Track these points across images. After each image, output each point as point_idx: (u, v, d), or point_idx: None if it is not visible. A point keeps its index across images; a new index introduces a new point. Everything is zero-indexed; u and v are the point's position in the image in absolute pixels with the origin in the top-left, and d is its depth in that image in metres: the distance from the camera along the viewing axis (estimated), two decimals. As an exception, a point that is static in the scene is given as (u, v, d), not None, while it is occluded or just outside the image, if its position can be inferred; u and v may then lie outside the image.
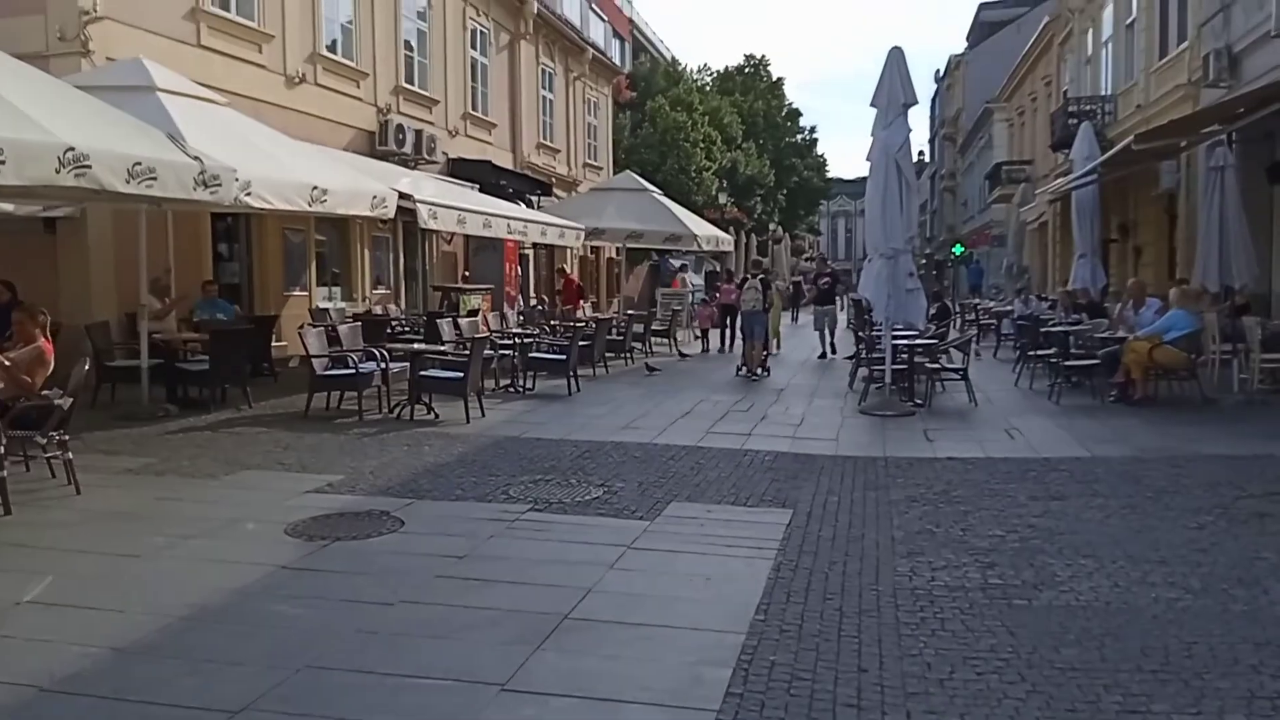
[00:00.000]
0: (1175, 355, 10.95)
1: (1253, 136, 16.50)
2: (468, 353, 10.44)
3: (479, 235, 17.04)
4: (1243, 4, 16.40)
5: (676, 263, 32.86)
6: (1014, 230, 29.53)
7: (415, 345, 11.84)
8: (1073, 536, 6.04)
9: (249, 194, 9.33)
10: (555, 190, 25.30)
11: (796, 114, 53.51)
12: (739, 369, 15.37)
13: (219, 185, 8.65)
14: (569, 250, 27.99)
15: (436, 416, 10.47)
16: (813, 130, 56.30)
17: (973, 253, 47.93)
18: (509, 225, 14.19)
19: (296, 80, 15.91)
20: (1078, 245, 18.74)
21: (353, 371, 10.56)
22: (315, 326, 11.91)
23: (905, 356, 12.16)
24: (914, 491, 7.34)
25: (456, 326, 13.89)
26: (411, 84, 19.69)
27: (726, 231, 24.80)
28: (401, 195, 11.68)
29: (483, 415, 10.65)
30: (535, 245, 24.17)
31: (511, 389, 12.76)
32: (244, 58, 14.65)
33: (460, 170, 20.71)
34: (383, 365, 10.66)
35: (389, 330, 15.46)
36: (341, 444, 9.12)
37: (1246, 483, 7.35)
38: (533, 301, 24.23)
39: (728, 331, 18.71)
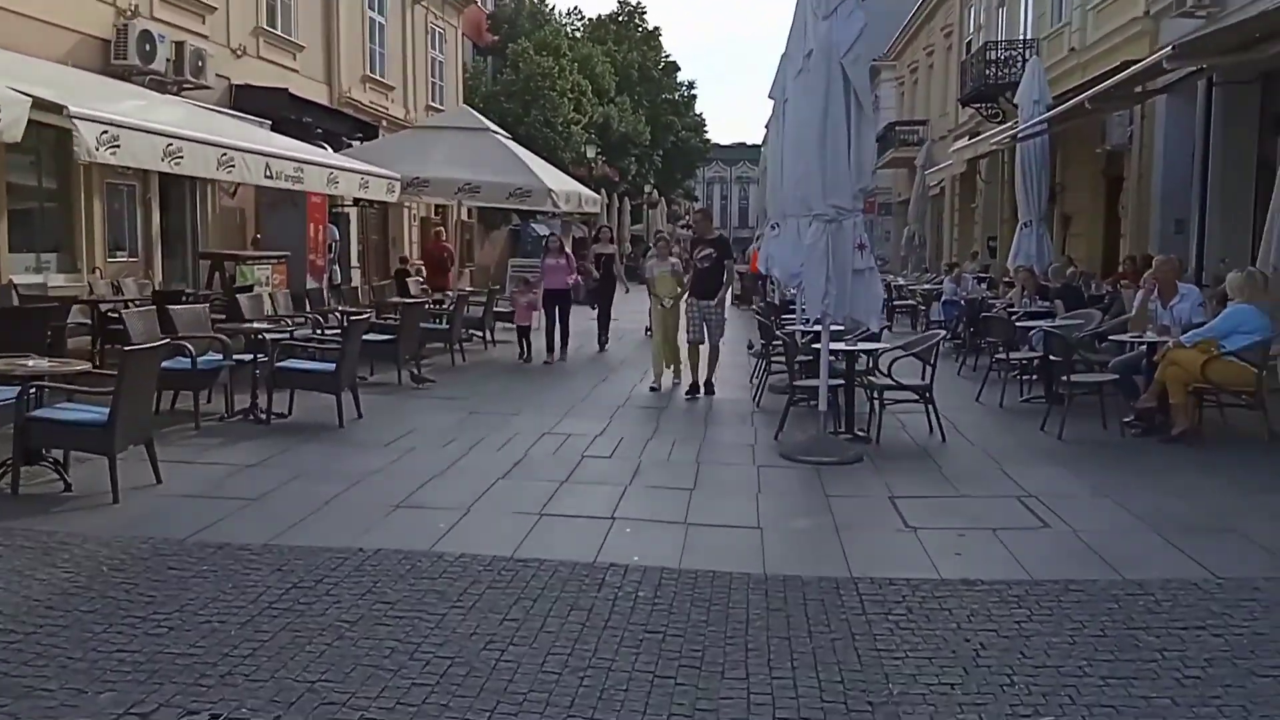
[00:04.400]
0: (1240, 371, 7.42)
1: (1241, 78, 13.37)
2: (115, 373, 5.90)
3: (257, 185, 12.41)
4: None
5: (543, 229, 28.33)
6: (916, 196, 26.33)
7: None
8: None
9: None
10: (386, 134, 20.52)
11: (675, 67, 49.44)
12: (652, 387, 10.80)
13: None
14: (405, 207, 23.34)
15: (67, 486, 6.01)
16: (691, 86, 52.21)
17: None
18: (268, 167, 9.64)
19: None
20: (1021, 211, 15.33)
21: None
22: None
23: (843, 369, 8.32)
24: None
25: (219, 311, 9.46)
26: (172, -20, 14.69)
27: (595, 191, 20.59)
28: (44, 105, 7.02)
29: (157, 480, 6.23)
30: (360, 202, 19.50)
31: (251, 417, 8.32)
32: None
33: (246, 100, 15.85)
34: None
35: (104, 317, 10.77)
36: None
37: None
38: (352, 273, 19.56)
39: (557, 330, 13.04)
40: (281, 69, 17.62)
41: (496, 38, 36.53)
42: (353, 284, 17.42)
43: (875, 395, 8.28)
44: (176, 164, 8.36)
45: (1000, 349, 10.41)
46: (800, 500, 6.41)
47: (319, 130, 17.14)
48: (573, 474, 6.93)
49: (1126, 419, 8.09)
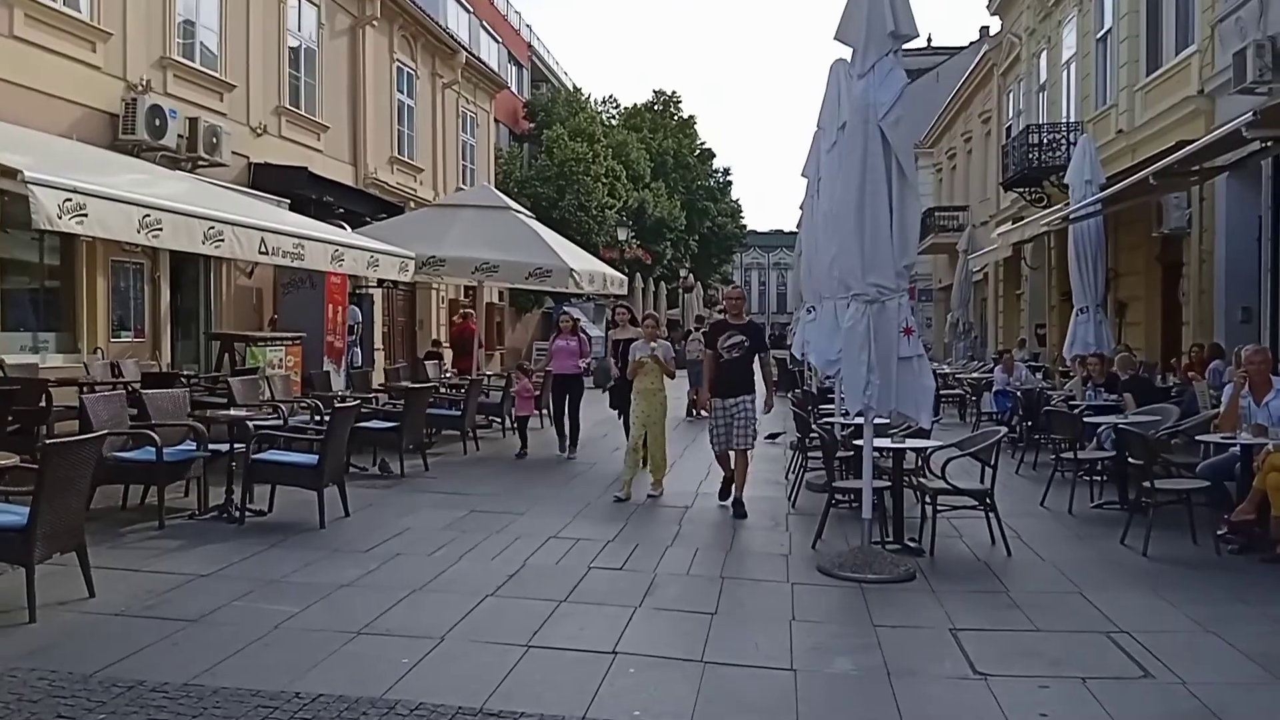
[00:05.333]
0: (1360, 479, 6.30)
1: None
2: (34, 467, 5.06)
3: (277, 265, 11.89)
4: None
5: (576, 311, 27.73)
6: (959, 281, 25.37)
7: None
8: None
9: None
10: (410, 216, 20.06)
11: (710, 155, 49.47)
12: (617, 497, 9.13)
13: None
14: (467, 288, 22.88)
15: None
16: (727, 172, 52.18)
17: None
18: (263, 242, 8.94)
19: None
20: (1077, 297, 14.32)
21: None
22: None
23: (889, 468, 7.32)
24: None
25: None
26: (189, 59, 14.40)
27: (623, 272, 19.90)
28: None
29: (90, 593, 5.33)
30: (384, 283, 18.99)
31: (225, 515, 7.44)
32: None
33: (264, 179, 15.43)
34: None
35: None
36: None
37: None
38: (376, 354, 18.94)
39: (566, 421, 11.91)
40: (304, 149, 17.27)
41: (533, 125, 36.68)
42: (366, 367, 16.72)
43: (928, 500, 7.24)
44: (155, 236, 7.65)
45: (1065, 446, 9.32)
46: (842, 631, 5.36)
47: (340, 210, 16.67)
48: (575, 590, 5.94)
49: (1220, 532, 6.97)
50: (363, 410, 11.03)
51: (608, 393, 12.58)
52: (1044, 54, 24.74)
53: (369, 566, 6.29)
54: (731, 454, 8.62)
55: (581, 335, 12.36)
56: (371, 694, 4.14)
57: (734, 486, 8.58)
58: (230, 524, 7.33)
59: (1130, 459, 7.52)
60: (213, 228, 8.40)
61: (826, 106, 8.21)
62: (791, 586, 6.21)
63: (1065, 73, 22.82)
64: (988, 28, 33.85)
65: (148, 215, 7.56)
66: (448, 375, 17.03)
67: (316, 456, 7.41)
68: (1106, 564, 6.80)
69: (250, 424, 7.77)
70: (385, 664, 4.52)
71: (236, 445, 7.51)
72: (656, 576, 6.33)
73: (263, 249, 9.15)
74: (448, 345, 21.91)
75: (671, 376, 9.42)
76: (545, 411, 13.77)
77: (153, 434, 7.05)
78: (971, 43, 40.47)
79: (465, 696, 4.14)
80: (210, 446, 7.66)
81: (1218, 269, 15.17)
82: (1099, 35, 20.20)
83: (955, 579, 6.43)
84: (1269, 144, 11.46)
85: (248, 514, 7.42)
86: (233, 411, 8.00)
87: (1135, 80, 18.02)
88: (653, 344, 9.38)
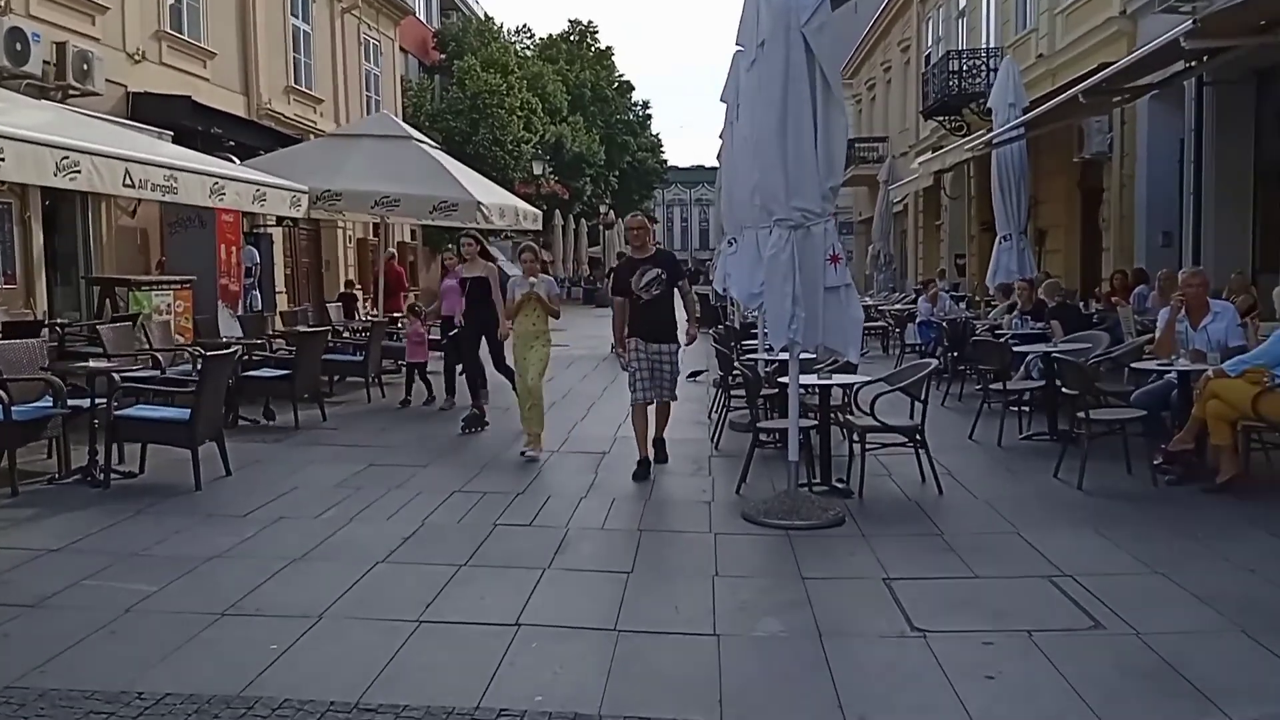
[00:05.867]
0: (1300, 405, 6.05)
1: (1230, 77, 12.27)
2: None
3: (144, 198, 10.85)
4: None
5: (494, 250, 26.75)
6: (880, 213, 25.12)
7: None
8: None
9: None
10: (309, 149, 18.88)
11: (629, 87, 48.30)
12: (525, 453, 8.07)
13: None
14: (349, 225, 21.80)
15: None
16: (646, 105, 51.03)
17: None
18: (127, 173, 8.04)
19: None
20: (1000, 224, 14.05)
21: None
22: None
23: (816, 406, 6.89)
24: None
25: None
26: (53, -24, 13.06)
27: (541, 208, 19.07)
28: None
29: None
30: (283, 221, 17.88)
31: (89, 478, 6.68)
32: None
33: (144, 110, 14.20)
34: None
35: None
36: None
37: None
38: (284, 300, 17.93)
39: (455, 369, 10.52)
40: (188, 77, 15.97)
41: (444, 56, 35.16)
42: (266, 312, 15.76)
43: (856, 438, 6.84)
44: (-7, 166, 6.73)
45: (992, 377, 9.02)
46: (769, 586, 4.92)
47: (230, 143, 15.49)
48: (477, 552, 5.38)
49: (1156, 462, 6.72)
50: (254, 358, 10.25)
51: (444, 345, 10.84)
52: (963, -22, 24.39)
53: (246, 534, 5.63)
54: (650, 408, 7.53)
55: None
56: (228, 690, 3.55)
57: (656, 429, 7.62)
58: (94, 488, 6.58)
59: (1064, 389, 7.19)
60: (66, 157, 7.43)
61: (745, 21, 7.44)
62: (715, 537, 5.74)
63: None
64: (907, -45, 33.26)
65: (-19, 143, 6.63)
66: (369, 319, 16.08)
67: (188, 410, 6.66)
68: (1042, 500, 6.49)
69: (116, 376, 6.98)
70: (249, 652, 3.92)
71: (98, 400, 6.72)
72: (568, 533, 5.81)
73: (127, 181, 8.18)
74: (359, 287, 20.92)
75: (556, 316, 8.18)
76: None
77: (49, 385, 6.22)
78: (891, -30, 39.83)
79: (339, 688, 3.57)
80: (71, 403, 6.85)
81: (1138, 194, 15.07)
82: (1019, -43, 19.85)
83: (886, 522, 6.04)
84: (1193, 64, 11.22)
85: (114, 476, 6.67)
86: (93, 363, 7.17)
87: (1056, 3, 17.72)
88: (532, 279, 8.08)
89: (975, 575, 5.00)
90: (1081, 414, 6.74)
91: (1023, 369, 9.30)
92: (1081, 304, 13.15)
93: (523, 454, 8.07)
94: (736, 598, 4.70)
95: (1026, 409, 8.81)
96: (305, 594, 4.62)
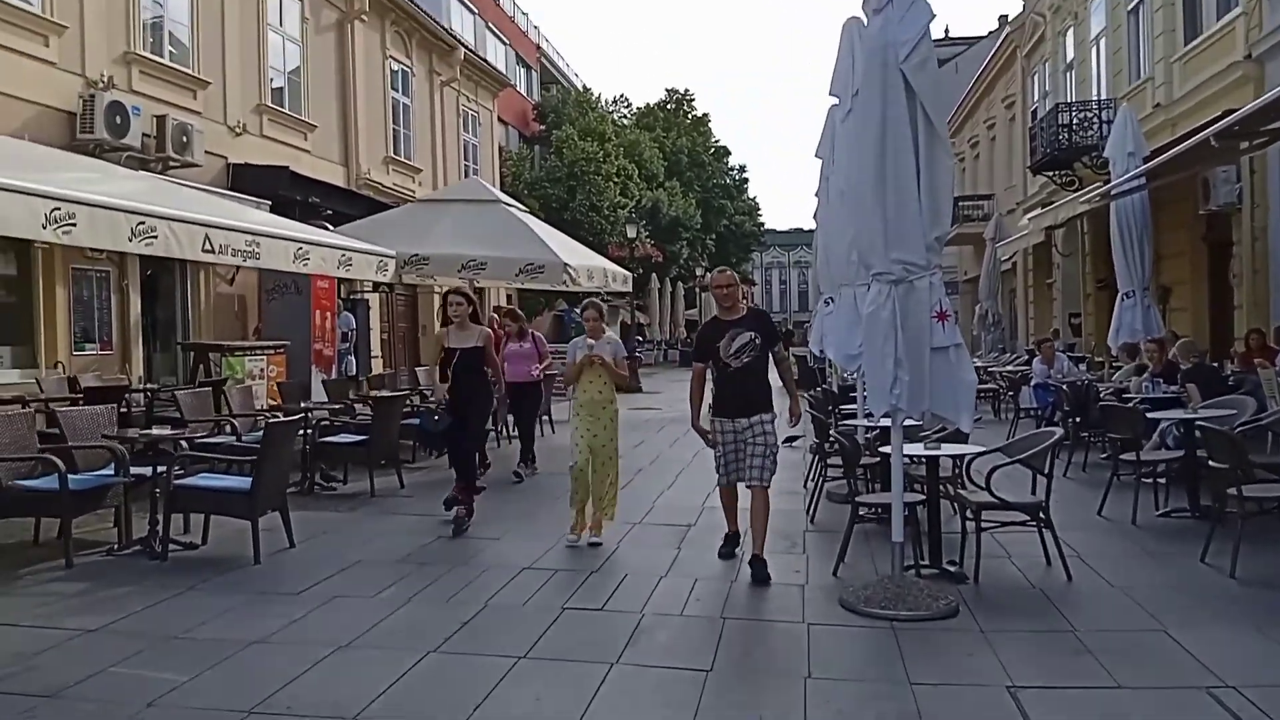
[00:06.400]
0: None
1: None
2: None
3: (224, 263, 10.94)
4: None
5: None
6: (987, 271, 24.08)
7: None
8: None
9: None
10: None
11: (725, 152, 48.34)
12: (569, 542, 7.13)
13: None
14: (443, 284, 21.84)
15: None
16: (743, 169, 50.95)
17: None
18: (207, 239, 7.96)
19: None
20: (1121, 281, 13.05)
21: None
22: None
23: (922, 476, 6.20)
24: None
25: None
26: (156, 54, 13.49)
27: (634, 271, 18.81)
28: None
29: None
30: (379, 287, 17.99)
31: (146, 551, 6.41)
32: None
33: (243, 180, 14.50)
34: None
35: None
36: None
37: None
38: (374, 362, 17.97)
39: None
40: (289, 148, 16.31)
41: (543, 127, 35.81)
42: (361, 376, 15.73)
43: (969, 515, 6.11)
44: (67, 232, 6.65)
45: (1122, 446, 8.12)
46: (871, 693, 4.24)
47: (328, 211, 15.69)
48: (539, 641, 4.85)
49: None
50: (333, 424, 10.04)
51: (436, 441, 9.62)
52: (1070, 31, 23.58)
53: (295, 614, 5.22)
54: (742, 486, 6.36)
55: (537, 338, 10.96)
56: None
57: (755, 535, 6.19)
58: (151, 560, 6.30)
59: (1211, 461, 6.33)
60: (142, 222, 7.37)
61: (839, 71, 6.93)
62: (808, 629, 5.09)
63: (1094, 49, 21.62)
64: (1006, 15, 32.67)
65: (57, 209, 6.57)
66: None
67: (249, 480, 6.36)
68: (1189, 590, 5.63)
69: (183, 443, 6.75)
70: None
71: (159, 468, 6.48)
72: (643, 619, 5.23)
73: (207, 246, 8.12)
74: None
75: (623, 385, 7.32)
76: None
77: (55, 459, 6.04)
78: (990, 32, 39.12)
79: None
80: (135, 470, 6.63)
81: (1273, 246, 13.91)
82: (1130, 7, 19.02)
83: (1007, 614, 5.28)
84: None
85: (174, 548, 6.39)
86: (155, 430, 6.96)
87: (1172, 50, 16.81)
88: (592, 340, 7.23)
89: (1117, 684, 4.22)
90: (1233, 490, 5.87)
91: (1156, 437, 8.38)
92: (1215, 364, 12.08)
93: (590, 543, 7.04)
94: (831, 706, 4.04)
95: (1163, 481, 7.89)
96: (344, 689, 4.15)
